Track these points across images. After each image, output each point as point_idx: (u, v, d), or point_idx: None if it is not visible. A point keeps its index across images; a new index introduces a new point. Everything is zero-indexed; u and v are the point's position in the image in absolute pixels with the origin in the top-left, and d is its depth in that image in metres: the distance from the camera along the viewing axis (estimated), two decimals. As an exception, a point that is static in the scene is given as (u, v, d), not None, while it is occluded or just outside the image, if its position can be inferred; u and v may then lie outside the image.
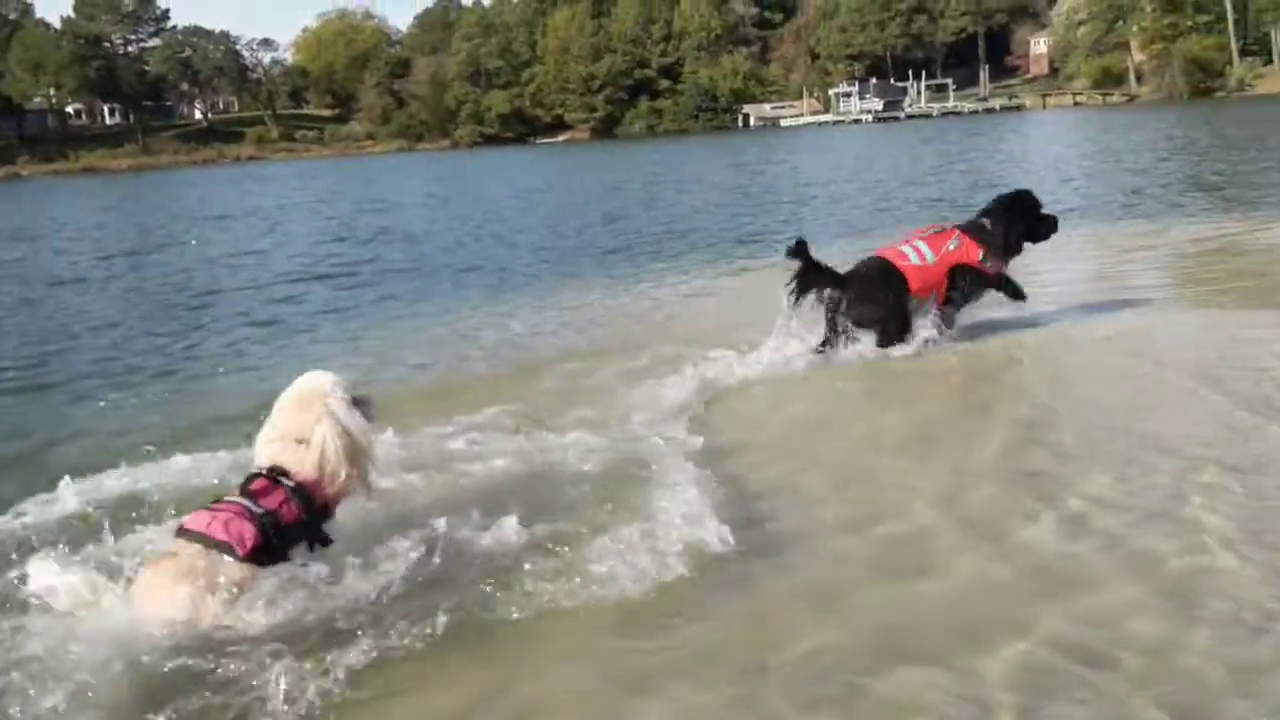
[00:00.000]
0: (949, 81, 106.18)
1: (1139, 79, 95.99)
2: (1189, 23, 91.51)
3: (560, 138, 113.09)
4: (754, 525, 4.12)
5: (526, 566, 3.73)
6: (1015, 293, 7.04)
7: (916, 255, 6.78)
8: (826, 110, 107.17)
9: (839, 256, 11.92)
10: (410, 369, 7.52)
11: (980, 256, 6.84)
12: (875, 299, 6.73)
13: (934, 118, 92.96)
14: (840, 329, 6.74)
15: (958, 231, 6.94)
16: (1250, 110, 52.20)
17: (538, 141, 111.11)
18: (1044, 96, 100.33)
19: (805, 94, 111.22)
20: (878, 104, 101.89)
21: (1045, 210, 7.19)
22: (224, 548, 3.43)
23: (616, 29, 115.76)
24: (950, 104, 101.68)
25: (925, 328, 6.76)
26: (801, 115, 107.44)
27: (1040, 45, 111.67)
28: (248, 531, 3.47)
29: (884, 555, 3.87)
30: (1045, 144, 37.23)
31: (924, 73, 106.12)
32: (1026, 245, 7.11)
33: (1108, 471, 4.45)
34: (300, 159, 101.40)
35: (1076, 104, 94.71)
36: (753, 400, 6.13)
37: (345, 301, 11.07)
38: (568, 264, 13.24)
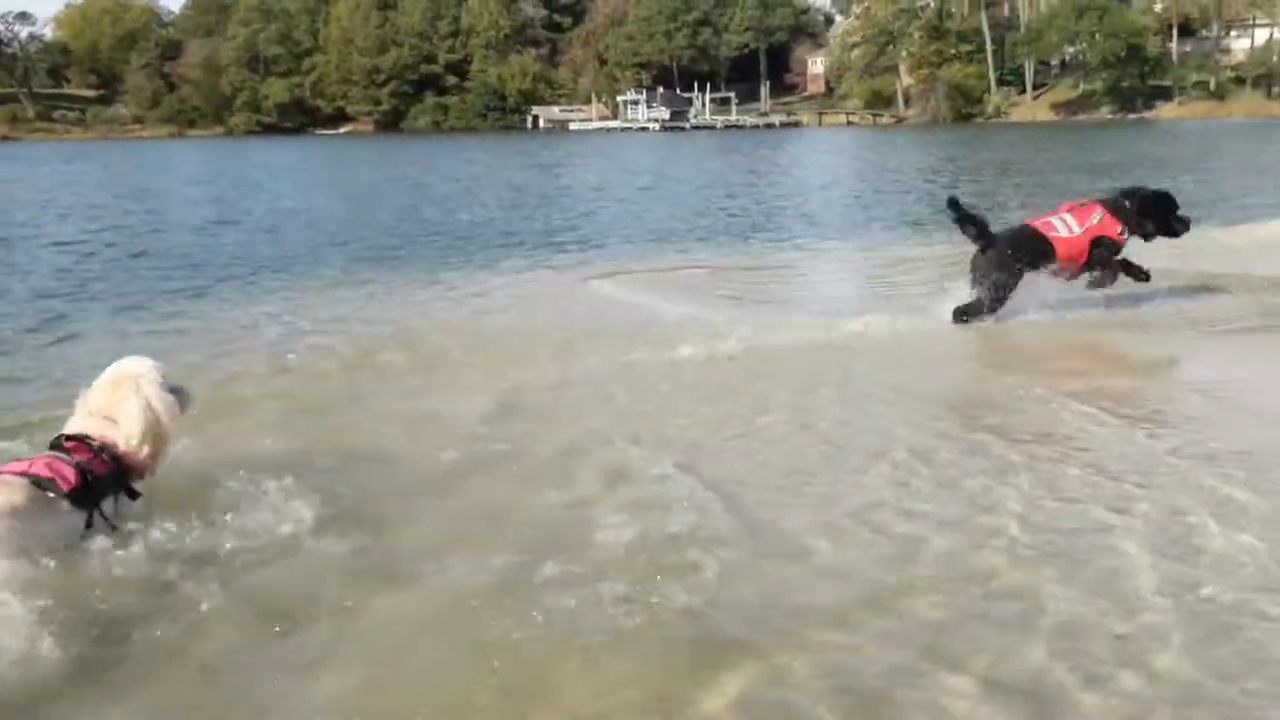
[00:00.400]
0: (732, 95, 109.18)
1: (907, 102, 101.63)
2: (953, 51, 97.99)
3: (342, 130, 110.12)
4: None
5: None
6: (1139, 274, 7.68)
7: (1064, 228, 7.34)
8: (615, 116, 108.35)
9: (657, 260, 11.89)
10: (218, 369, 6.77)
11: (1119, 230, 7.43)
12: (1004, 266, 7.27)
13: (717, 130, 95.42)
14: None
15: (1099, 207, 7.50)
16: (1010, 135, 56.20)
17: (317, 132, 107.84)
18: (820, 114, 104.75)
19: (594, 99, 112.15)
20: (664, 113, 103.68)
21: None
22: (47, 484, 3.53)
23: (403, 22, 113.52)
24: (733, 117, 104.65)
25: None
26: (590, 120, 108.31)
27: (817, 65, 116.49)
28: (69, 471, 3.60)
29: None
30: (834, 159, 38.73)
31: (709, 85, 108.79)
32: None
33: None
34: (60, 140, 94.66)
35: (850, 123, 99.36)
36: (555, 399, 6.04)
37: (133, 297, 10.02)
38: (373, 261, 12.56)
